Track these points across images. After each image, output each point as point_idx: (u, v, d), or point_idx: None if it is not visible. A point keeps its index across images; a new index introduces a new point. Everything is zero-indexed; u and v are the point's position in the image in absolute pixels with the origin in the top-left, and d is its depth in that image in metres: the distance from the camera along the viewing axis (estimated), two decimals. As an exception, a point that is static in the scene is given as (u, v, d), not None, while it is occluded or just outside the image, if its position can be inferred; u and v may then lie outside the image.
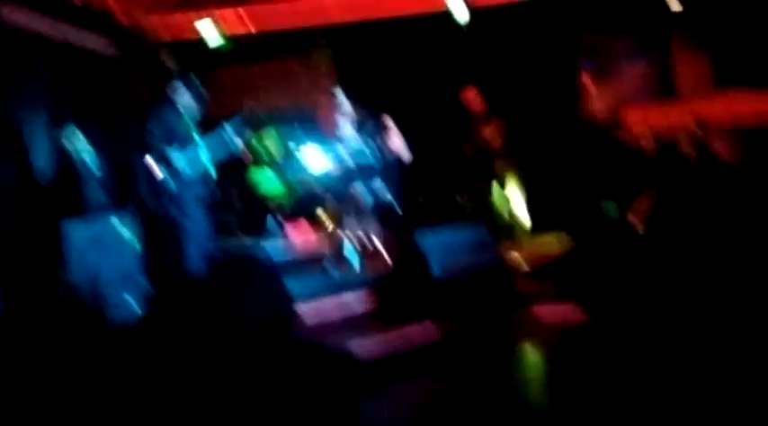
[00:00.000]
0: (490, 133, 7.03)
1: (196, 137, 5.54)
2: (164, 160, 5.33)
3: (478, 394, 3.86)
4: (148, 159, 5.38)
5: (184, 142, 5.46)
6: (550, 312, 5.20)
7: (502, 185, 7.06)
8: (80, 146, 5.96)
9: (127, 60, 7.62)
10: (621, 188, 6.46)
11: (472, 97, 7.20)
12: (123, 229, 5.59)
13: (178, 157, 5.34)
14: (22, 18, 5.91)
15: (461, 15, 7.37)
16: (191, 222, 5.41)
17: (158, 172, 5.31)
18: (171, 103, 5.56)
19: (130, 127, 7.46)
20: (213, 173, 5.68)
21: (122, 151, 7.16)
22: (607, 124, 8.15)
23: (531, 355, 4.70)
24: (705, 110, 7.34)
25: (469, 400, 3.78)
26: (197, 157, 5.45)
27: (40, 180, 5.94)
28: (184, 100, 5.61)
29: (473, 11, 7.53)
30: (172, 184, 5.32)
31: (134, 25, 7.42)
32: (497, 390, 3.92)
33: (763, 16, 7.91)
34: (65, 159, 5.96)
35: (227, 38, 8.23)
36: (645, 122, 7.89)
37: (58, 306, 4.87)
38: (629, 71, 8.86)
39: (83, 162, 5.90)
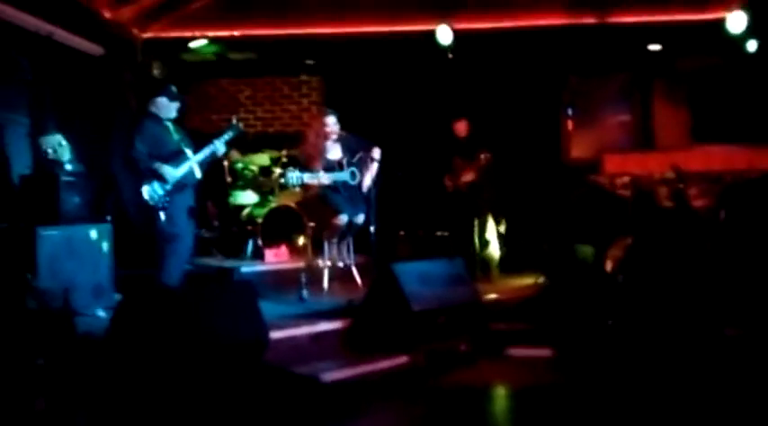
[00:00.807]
0: (476, 168, 7.06)
1: (184, 148, 5.49)
2: (149, 171, 5.27)
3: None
4: (133, 169, 5.32)
5: (169, 154, 5.40)
6: (521, 352, 5.21)
7: (482, 222, 7.09)
8: (60, 150, 5.88)
9: (114, 66, 7.58)
10: (598, 232, 6.54)
11: (463, 129, 7.25)
12: (98, 238, 5.53)
13: (163, 169, 5.29)
14: (5, 11, 5.85)
15: (445, 38, 7.48)
16: (174, 235, 5.35)
17: (144, 183, 5.24)
18: (156, 115, 5.50)
19: (114, 135, 7.40)
20: (196, 186, 5.65)
21: (104, 158, 7.09)
22: (586, 168, 8.28)
23: (500, 393, 4.70)
24: (682, 160, 7.48)
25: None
26: (181, 170, 5.39)
27: (15, 182, 5.85)
28: (169, 111, 5.56)
29: (462, 47, 7.64)
30: (157, 196, 5.26)
31: (122, 29, 7.39)
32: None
33: (738, 76, 8.18)
34: (43, 162, 5.88)
35: (217, 53, 8.26)
36: (624, 169, 8.04)
37: (26, 313, 4.78)
38: (611, 118, 9.03)
39: (62, 167, 5.82)
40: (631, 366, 4.76)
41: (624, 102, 8.99)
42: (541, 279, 6.46)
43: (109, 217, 6.06)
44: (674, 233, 6.22)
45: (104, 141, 7.26)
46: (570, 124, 8.95)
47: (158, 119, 5.50)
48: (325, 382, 4.43)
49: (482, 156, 6.98)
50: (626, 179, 7.71)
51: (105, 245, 5.57)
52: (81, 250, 5.38)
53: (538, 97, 8.53)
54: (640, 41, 8.05)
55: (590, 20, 7.74)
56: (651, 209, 7.06)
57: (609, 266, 6.23)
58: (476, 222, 7.11)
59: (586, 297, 5.63)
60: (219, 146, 5.56)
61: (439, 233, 7.52)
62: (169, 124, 5.55)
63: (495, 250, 7.11)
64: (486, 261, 7.11)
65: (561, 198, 7.64)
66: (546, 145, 8.58)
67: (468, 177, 7.09)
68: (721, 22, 7.45)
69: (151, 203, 5.25)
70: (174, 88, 5.70)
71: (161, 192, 5.27)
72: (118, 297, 5.32)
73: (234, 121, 5.83)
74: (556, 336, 5.30)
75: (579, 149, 8.91)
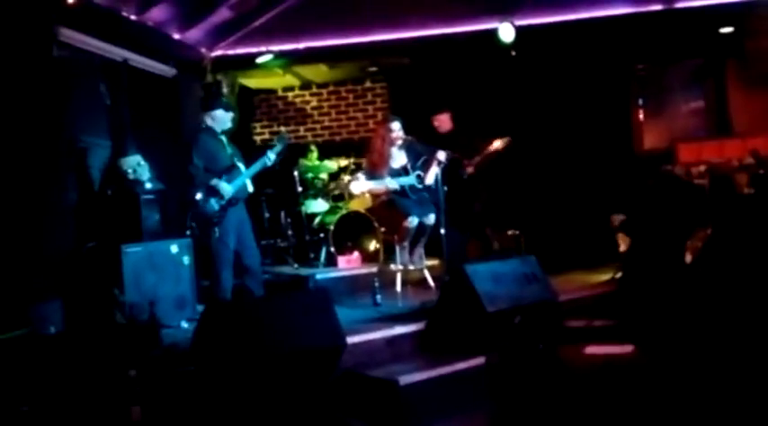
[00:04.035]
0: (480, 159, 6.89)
1: (236, 163, 5.61)
2: (206, 186, 5.42)
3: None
4: (190, 183, 5.48)
5: (224, 169, 5.54)
6: (601, 349, 5.13)
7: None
8: (140, 170, 6.14)
9: (186, 86, 7.85)
10: (676, 223, 6.36)
11: (446, 122, 7.05)
12: (179, 252, 5.73)
13: (220, 185, 5.42)
14: (84, 41, 6.15)
15: (507, 36, 7.42)
16: (227, 249, 5.49)
17: (200, 198, 5.41)
18: (212, 128, 5.62)
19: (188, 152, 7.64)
20: (266, 199, 5.80)
21: (180, 175, 7.35)
22: (660, 158, 8.07)
23: (579, 393, 4.64)
24: (761, 145, 7.21)
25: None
26: (236, 183, 5.51)
27: (100, 202, 6.14)
28: (225, 123, 5.65)
29: (524, 43, 7.57)
30: (212, 211, 5.41)
31: (191, 50, 7.64)
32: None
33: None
34: (124, 182, 6.15)
35: (283, 68, 8.44)
36: (699, 157, 7.80)
37: (115, 327, 5.01)
38: (684, 105, 8.77)
39: (142, 186, 6.08)
40: (717, 361, 4.62)
41: (697, 88, 8.72)
42: (619, 274, 6.33)
43: (188, 232, 6.30)
44: (755, 220, 5.98)
45: (180, 158, 7.52)
46: (641, 114, 8.74)
47: (213, 133, 5.61)
48: (403, 385, 4.47)
49: (494, 144, 6.75)
50: (702, 167, 7.48)
51: (186, 259, 5.76)
52: (163, 264, 5.60)
53: (606, 89, 8.36)
54: (711, 25, 7.79)
55: (656, 6, 7.54)
56: (730, 197, 6.83)
57: (689, 257, 6.05)
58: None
59: (666, 291, 5.50)
60: (269, 159, 5.61)
61: (510, 232, 7.47)
62: (223, 137, 5.67)
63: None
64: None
65: (635, 189, 7.47)
66: (617, 136, 8.40)
67: (469, 170, 6.90)
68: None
69: (207, 217, 5.39)
70: (225, 99, 5.83)
71: (216, 207, 5.41)
72: (200, 308, 5.51)
73: (281, 133, 5.92)
74: (637, 332, 5.19)
75: (652, 139, 8.70)
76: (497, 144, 6.76)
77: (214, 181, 5.39)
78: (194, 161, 5.42)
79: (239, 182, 5.51)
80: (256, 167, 5.60)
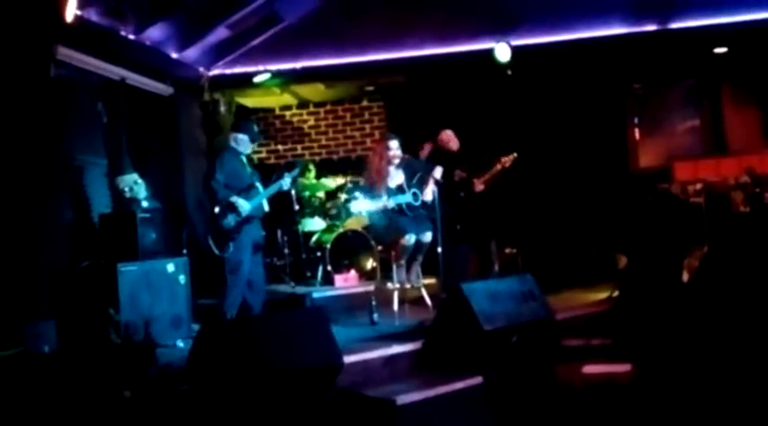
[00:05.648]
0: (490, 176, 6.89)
1: (255, 183, 5.73)
2: (225, 202, 5.51)
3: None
4: (211, 198, 5.55)
5: (244, 187, 5.63)
6: (598, 368, 5.10)
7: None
8: (136, 188, 6.14)
9: (183, 105, 7.87)
10: (672, 242, 6.37)
11: (452, 138, 7.01)
12: (175, 271, 5.72)
13: (238, 202, 5.52)
14: (82, 60, 6.18)
15: (503, 56, 7.46)
16: (239, 265, 5.53)
17: (219, 213, 5.48)
18: (235, 149, 5.77)
19: (185, 170, 7.66)
20: (265, 218, 5.84)
21: (177, 193, 7.35)
22: (656, 177, 8.09)
23: (577, 411, 4.61)
24: (757, 163, 7.24)
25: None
26: (254, 201, 5.61)
27: (96, 221, 6.13)
28: (247, 147, 5.82)
29: (521, 63, 7.61)
30: (229, 227, 5.48)
31: (189, 69, 7.67)
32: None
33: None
34: (121, 201, 6.15)
35: (280, 87, 8.47)
36: (696, 176, 7.82)
37: (110, 347, 4.98)
38: (680, 124, 8.81)
39: (138, 204, 6.07)
40: (714, 379, 4.60)
41: (692, 107, 8.78)
42: (616, 293, 6.32)
43: (185, 250, 6.28)
44: (752, 238, 5.99)
45: (177, 177, 7.53)
46: (637, 133, 8.79)
47: (236, 153, 5.78)
48: (400, 404, 4.43)
49: (502, 160, 6.76)
50: (698, 186, 7.49)
51: (182, 278, 5.75)
52: (159, 283, 5.58)
53: (602, 108, 8.41)
54: (705, 45, 7.84)
55: (651, 27, 7.60)
56: (727, 216, 6.84)
57: (686, 276, 6.05)
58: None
59: (663, 310, 5.48)
60: (285, 182, 5.78)
61: (507, 250, 7.46)
62: (243, 158, 5.83)
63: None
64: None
65: (632, 208, 7.48)
66: (613, 155, 8.44)
67: (480, 187, 6.92)
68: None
69: (225, 232, 5.46)
70: (255, 127, 6.01)
71: (233, 224, 5.49)
72: (196, 327, 5.48)
73: (295, 161, 5.98)
74: (634, 351, 5.16)
75: (648, 158, 8.74)
76: (505, 160, 6.78)
77: (233, 198, 5.52)
78: (216, 176, 5.55)
79: (256, 201, 5.64)
80: (273, 189, 5.76)
